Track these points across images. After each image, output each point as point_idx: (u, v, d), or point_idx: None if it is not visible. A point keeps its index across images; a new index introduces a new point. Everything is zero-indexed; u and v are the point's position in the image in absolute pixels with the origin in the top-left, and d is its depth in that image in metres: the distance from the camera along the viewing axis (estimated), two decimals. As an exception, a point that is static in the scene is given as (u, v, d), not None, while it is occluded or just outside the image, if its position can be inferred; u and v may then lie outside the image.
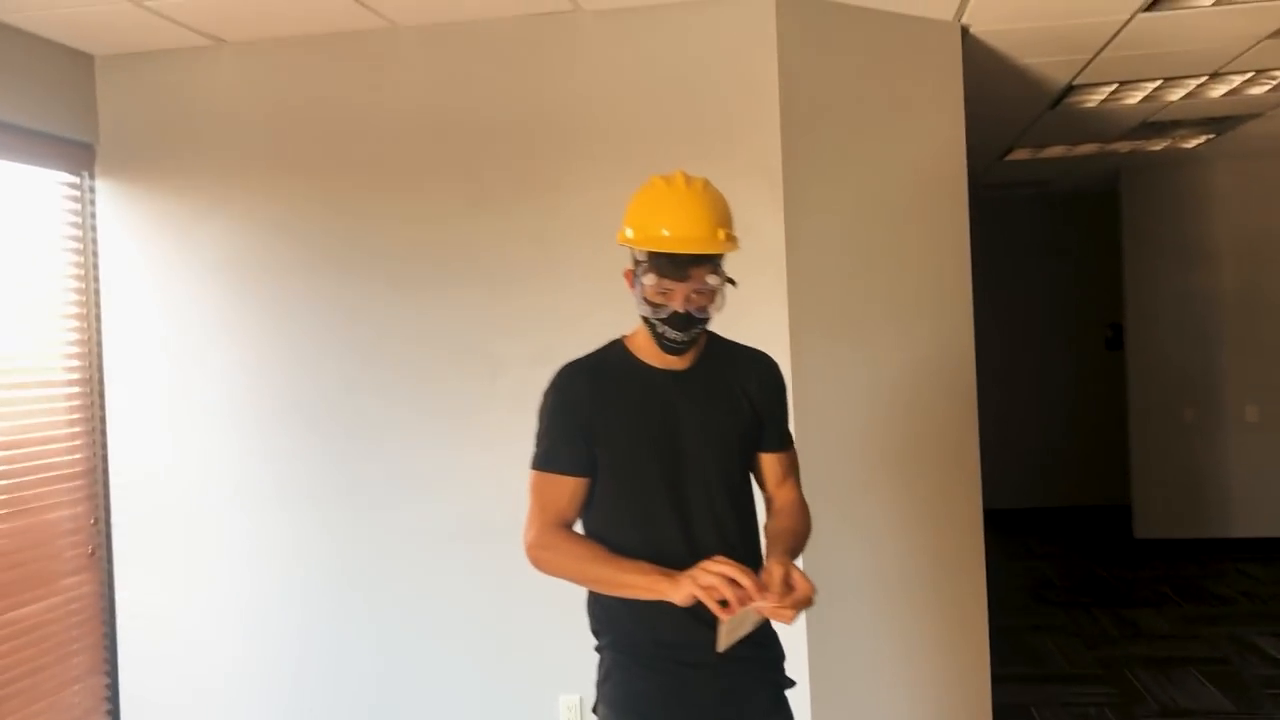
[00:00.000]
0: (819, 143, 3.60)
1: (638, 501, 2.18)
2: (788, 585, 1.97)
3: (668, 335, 2.12)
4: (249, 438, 3.87)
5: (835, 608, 3.60)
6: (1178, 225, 7.79)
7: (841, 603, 3.61)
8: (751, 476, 2.33)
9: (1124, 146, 6.89)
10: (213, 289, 3.88)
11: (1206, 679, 5.03)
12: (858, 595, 3.66)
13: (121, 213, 3.92)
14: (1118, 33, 4.16)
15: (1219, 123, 6.18)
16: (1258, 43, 4.43)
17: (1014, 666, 5.07)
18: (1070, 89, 5.14)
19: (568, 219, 3.66)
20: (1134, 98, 5.39)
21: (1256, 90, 5.31)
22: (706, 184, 2.19)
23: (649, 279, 2.09)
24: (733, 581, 1.92)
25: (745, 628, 2.02)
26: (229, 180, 3.85)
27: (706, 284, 2.09)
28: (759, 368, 2.34)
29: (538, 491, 2.20)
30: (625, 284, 2.20)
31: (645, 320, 2.14)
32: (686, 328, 2.11)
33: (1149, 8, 3.86)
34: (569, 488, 2.18)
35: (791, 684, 2.28)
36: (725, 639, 1.98)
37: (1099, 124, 6.06)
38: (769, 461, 2.32)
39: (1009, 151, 6.84)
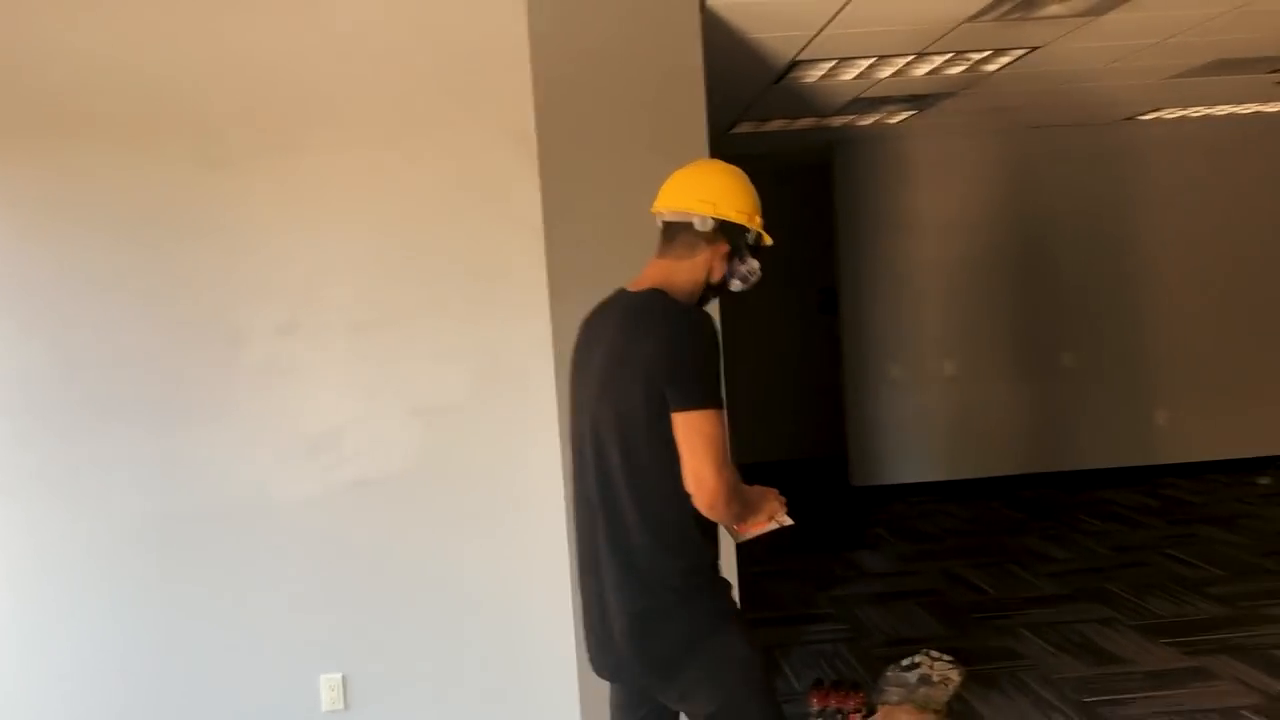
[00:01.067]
0: (572, 109, 3.62)
1: None
2: None
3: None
4: (-49, 425, 3.49)
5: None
6: (884, 196, 8.41)
7: (605, 560, 3.69)
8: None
9: (837, 121, 7.35)
10: (-97, 258, 3.46)
11: (923, 609, 5.51)
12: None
13: None
14: (840, 10, 4.43)
15: (921, 100, 6.71)
16: (957, 26, 4.83)
17: (756, 611, 5.32)
18: (794, 64, 5.42)
19: (314, 181, 3.51)
20: (849, 74, 5.76)
21: (954, 70, 5.80)
22: None
23: (755, 259, 2.41)
24: None
25: None
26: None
27: None
28: None
29: (721, 429, 2.15)
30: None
31: (722, 288, 2.42)
32: None
33: (870, -13, 4.14)
34: None
35: None
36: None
37: (817, 99, 6.43)
38: None
39: (734, 125, 7.14)
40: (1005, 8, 4.55)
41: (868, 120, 7.40)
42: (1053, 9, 4.60)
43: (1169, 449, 8.59)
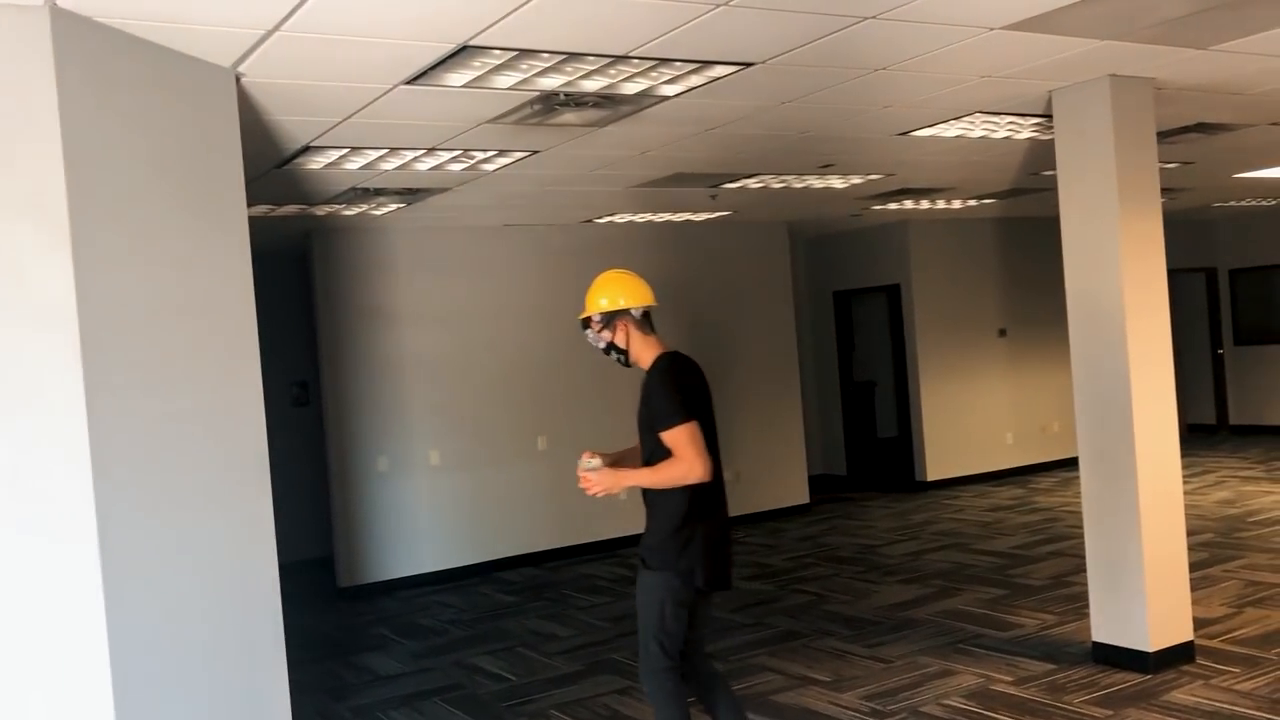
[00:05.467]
0: (110, 183, 3.16)
1: None
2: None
3: None
4: None
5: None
6: (364, 287, 8.32)
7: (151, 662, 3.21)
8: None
9: (322, 210, 7.17)
10: None
11: (453, 705, 5.42)
12: (165, 662, 3.27)
13: None
14: (375, 100, 4.37)
15: (414, 194, 6.78)
16: (478, 125, 4.99)
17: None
18: (304, 150, 5.22)
19: None
20: (355, 164, 5.67)
21: (456, 167, 5.96)
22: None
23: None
24: None
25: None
26: None
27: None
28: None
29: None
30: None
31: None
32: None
33: (411, 81, 4.13)
34: None
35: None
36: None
37: (312, 186, 6.24)
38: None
39: (214, 208, 6.66)
40: (526, 113, 4.79)
41: (353, 211, 7.32)
42: (568, 117, 4.93)
43: (628, 521, 9.35)
